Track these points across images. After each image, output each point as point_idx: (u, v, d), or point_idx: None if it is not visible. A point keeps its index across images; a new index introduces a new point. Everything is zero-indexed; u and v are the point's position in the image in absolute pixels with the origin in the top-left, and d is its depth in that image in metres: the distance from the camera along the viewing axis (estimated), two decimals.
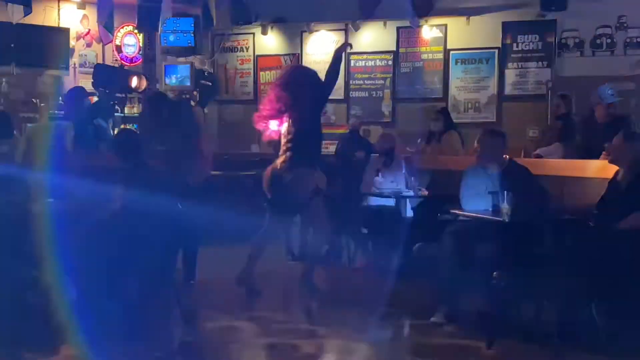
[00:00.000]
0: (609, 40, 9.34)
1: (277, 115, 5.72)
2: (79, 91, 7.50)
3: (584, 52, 9.47)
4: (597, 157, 5.55)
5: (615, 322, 4.40)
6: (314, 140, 5.78)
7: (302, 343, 4.64)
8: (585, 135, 6.31)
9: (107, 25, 9.39)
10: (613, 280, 4.24)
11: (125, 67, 9.75)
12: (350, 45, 6.47)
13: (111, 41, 9.89)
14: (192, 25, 10.08)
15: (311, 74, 5.87)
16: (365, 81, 10.56)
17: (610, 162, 4.74)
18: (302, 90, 5.65)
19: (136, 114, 9.72)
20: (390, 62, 10.42)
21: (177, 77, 10.63)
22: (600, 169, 5.09)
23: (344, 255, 7.27)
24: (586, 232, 4.45)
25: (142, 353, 4.20)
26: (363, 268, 6.98)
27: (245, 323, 5.09)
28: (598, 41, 9.39)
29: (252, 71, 11.15)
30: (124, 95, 8.35)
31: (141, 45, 9.71)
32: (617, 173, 4.68)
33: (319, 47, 10.70)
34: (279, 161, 5.66)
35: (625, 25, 9.28)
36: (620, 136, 4.71)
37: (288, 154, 5.62)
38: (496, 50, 9.82)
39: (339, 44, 6.17)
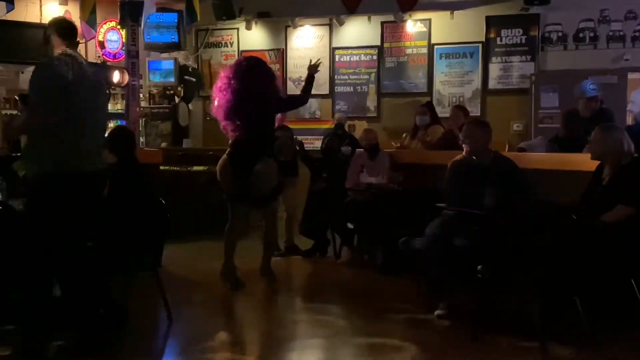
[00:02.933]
0: (591, 34, 9.39)
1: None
2: None
3: (567, 45, 9.51)
4: (580, 150, 5.59)
5: (599, 315, 4.44)
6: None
7: (289, 337, 4.66)
8: (569, 128, 6.34)
9: (90, 21, 9.32)
10: (597, 274, 4.27)
11: (108, 63, 9.68)
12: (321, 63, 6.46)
13: (94, 37, 9.81)
14: (176, 20, 10.04)
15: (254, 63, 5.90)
16: (350, 76, 10.55)
17: (592, 156, 4.77)
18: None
19: (120, 110, 9.67)
20: (374, 57, 10.42)
21: (160, 72, 10.61)
22: (583, 162, 5.12)
23: (330, 249, 7.29)
24: (570, 225, 4.47)
25: None
26: (348, 262, 7.00)
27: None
28: (581, 35, 9.44)
29: None
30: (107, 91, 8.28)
31: (124, 41, 9.64)
32: (599, 166, 4.72)
33: (304, 42, 10.68)
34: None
35: (607, 18, 9.33)
36: (599, 129, 4.74)
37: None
38: (480, 45, 9.84)
39: (313, 62, 6.10)
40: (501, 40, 9.77)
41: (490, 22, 9.79)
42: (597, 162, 4.74)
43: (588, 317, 4.25)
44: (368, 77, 10.45)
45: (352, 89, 10.53)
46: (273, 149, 6.04)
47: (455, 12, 9.83)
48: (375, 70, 10.39)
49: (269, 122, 5.91)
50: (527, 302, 4.41)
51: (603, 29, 9.35)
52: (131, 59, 8.03)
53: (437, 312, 4.82)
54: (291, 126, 7.79)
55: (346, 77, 10.55)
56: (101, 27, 10.04)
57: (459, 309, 4.87)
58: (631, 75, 8.77)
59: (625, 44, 9.25)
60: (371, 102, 10.44)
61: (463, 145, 5.05)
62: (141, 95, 9.40)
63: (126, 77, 7.72)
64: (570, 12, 9.40)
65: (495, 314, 4.67)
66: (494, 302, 4.73)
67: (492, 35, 9.80)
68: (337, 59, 10.57)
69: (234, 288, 5.73)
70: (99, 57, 10.11)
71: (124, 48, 9.52)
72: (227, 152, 5.89)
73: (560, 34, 9.53)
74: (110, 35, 10.26)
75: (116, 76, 7.71)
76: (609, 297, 4.48)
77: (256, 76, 5.71)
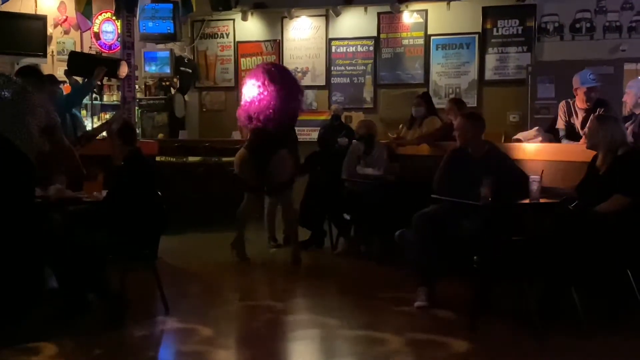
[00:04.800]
0: (588, 25, 9.38)
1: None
2: (50, 79, 7.20)
3: (563, 36, 9.51)
4: (577, 141, 5.59)
5: (595, 303, 4.45)
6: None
7: (285, 328, 4.67)
8: (567, 119, 6.34)
9: (85, 13, 9.28)
10: (593, 264, 4.28)
11: (103, 54, 9.65)
12: None
13: (89, 28, 9.78)
14: (171, 11, 10.00)
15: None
16: (347, 67, 10.53)
17: (588, 146, 4.78)
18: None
19: (115, 102, 9.65)
20: (371, 48, 10.39)
21: (156, 64, 10.57)
22: (579, 152, 5.13)
23: (327, 240, 7.30)
24: (566, 215, 4.48)
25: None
26: (345, 253, 7.00)
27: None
28: (577, 25, 9.43)
29: (232, 58, 11.08)
30: (100, 82, 8.25)
31: (119, 32, 9.62)
32: (595, 156, 4.72)
33: (300, 33, 10.65)
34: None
35: (604, 9, 9.33)
36: (595, 120, 4.74)
37: None
38: (476, 36, 9.83)
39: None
40: (497, 31, 9.76)
41: (487, 12, 9.77)
42: (593, 153, 4.74)
43: (584, 306, 4.27)
44: (364, 68, 10.43)
45: (348, 80, 10.51)
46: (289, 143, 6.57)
47: (452, 3, 9.81)
48: (372, 61, 10.37)
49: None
50: (524, 291, 4.42)
51: (599, 20, 9.34)
52: (126, 50, 7.98)
53: (417, 304, 4.85)
54: None
55: (342, 68, 10.53)
56: (96, 18, 10.01)
57: (455, 300, 4.88)
58: (627, 66, 8.77)
59: (622, 35, 9.25)
60: (368, 93, 10.43)
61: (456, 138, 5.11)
62: (137, 87, 9.37)
63: (126, 69, 7.66)
64: (567, 3, 9.39)
65: (491, 304, 4.68)
66: (490, 292, 4.74)
67: (488, 26, 9.79)
68: (333, 50, 10.55)
69: (240, 259, 6.56)
70: (91, 47, 10.09)
71: (119, 39, 9.49)
72: (244, 145, 6.49)
73: (556, 24, 9.52)
74: (106, 27, 10.23)
75: (123, 68, 7.66)
76: (605, 286, 4.49)
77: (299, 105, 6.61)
